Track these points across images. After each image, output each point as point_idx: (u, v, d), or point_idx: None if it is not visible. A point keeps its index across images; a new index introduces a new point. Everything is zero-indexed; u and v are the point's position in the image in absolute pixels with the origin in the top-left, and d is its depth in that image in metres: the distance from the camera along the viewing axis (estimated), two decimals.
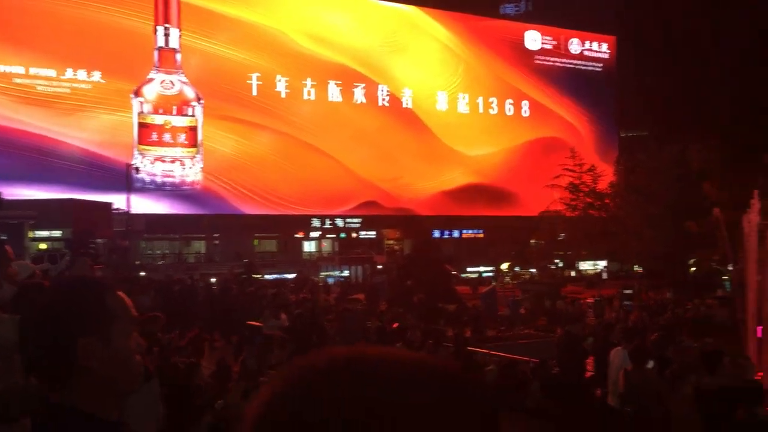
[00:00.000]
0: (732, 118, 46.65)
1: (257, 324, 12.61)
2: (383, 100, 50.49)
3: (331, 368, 0.70)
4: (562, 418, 9.83)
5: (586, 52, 59.09)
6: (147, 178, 41.18)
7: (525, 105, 55.89)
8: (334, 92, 48.71)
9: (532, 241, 44.38)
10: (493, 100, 54.88)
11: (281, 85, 46.82)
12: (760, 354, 16.55)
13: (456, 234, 52.46)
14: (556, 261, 45.46)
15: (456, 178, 51.93)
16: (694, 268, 35.12)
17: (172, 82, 42.53)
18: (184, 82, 43.00)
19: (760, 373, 14.98)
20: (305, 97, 47.61)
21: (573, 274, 46.27)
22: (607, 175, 43.67)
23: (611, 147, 55.13)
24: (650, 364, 8.59)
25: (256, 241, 46.54)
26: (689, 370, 7.47)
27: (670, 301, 24.26)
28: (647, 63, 56.67)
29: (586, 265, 48.08)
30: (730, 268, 28.12)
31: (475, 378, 0.74)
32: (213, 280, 26.46)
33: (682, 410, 6.94)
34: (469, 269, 46.95)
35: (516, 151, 54.44)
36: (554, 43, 57.53)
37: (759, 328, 16.92)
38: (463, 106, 53.94)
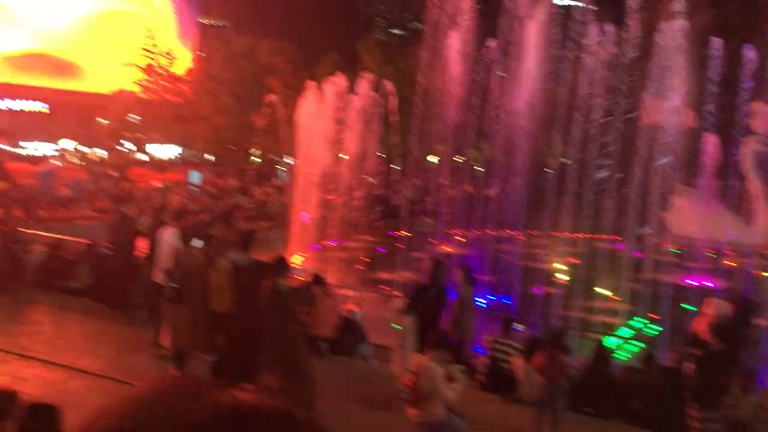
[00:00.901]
0: (305, 24, 50.03)
1: None
2: None
3: None
4: (107, 296, 9.88)
5: None
6: None
7: None
8: None
9: (102, 120, 42.14)
10: None
11: None
12: (303, 236, 18.87)
13: (13, 105, 46.90)
14: (126, 143, 44.17)
15: (13, 41, 45.76)
16: (256, 159, 37.64)
17: None
18: None
19: (298, 257, 17.08)
20: None
21: (144, 158, 45.58)
22: (185, 62, 43.24)
23: (192, 33, 54.50)
24: (198, 243, 9.10)
25: None
26: (230, 247, 8.17)
27: (233, 188, 25.72)
28: None
29: (159, 150, 47.64)
30: (287, 160, 30.93)
31: None
32: None
33: (219, 281, 7.60)
34: (26, 145, 42.72)
35: (88, 20, 50.08)
36: None
37: (305, 215, 19.19)
38: None
